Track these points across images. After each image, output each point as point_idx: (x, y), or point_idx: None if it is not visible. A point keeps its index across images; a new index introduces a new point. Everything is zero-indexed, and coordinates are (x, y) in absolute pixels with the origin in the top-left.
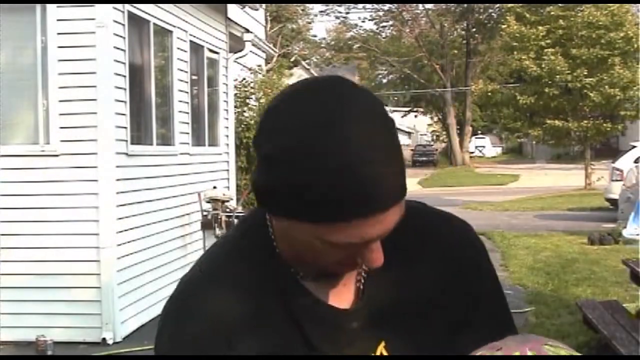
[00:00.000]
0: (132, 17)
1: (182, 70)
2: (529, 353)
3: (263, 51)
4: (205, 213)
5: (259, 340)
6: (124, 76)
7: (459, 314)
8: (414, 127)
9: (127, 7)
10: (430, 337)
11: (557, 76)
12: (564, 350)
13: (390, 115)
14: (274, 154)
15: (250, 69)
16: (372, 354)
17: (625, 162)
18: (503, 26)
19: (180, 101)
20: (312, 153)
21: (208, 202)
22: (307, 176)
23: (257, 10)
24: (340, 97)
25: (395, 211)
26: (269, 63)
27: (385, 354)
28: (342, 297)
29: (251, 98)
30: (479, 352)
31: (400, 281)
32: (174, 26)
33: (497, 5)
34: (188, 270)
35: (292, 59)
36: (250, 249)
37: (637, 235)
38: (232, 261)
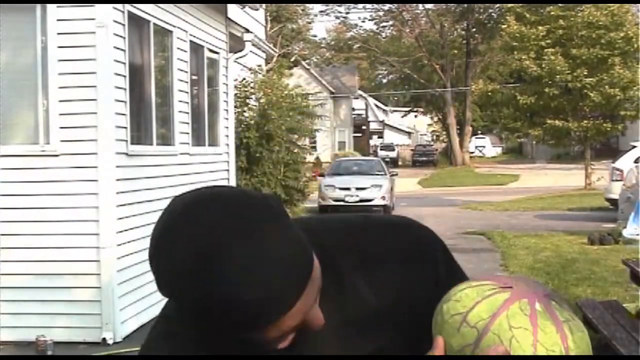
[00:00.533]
0: (132, 17)
1: (182, 70)
2: (538, 307)
3: (263, 51)
4: None
5: None
6: (124, 76)
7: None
8: (414, 127)
9: (127, 7)
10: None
11: (557, 76)
12: (567, 313)
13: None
14: (187, 304)
15: (250, 69)
16: None
17: (625, 162)
18: (503, 26)
19: (180, 101)
20: (211, 296)
21: None
22: (207, 315)
23: (257, 10)
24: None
25: (313, 284)
26: (269, 63)
27: None
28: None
29: (251, 98)
30: (486, 281)
31: (340, 306)
32: (174, 26)
33: (497, 5)
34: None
35: (292, 59)
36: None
37: (637, 235)
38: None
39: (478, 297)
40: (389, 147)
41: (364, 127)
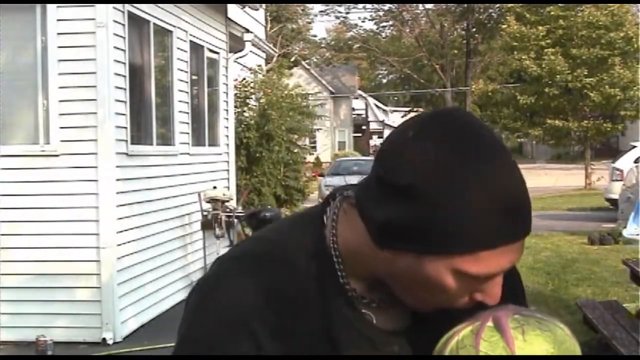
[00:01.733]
0: (132, 17)
1: (182, 70)
2: (489, 323)
3: (263, 51)
4: (205, 213)
5: (284, 345)
6: (124, 76)
7: None
8: None
9: (127, 7)
10: None
11: (557, 76)
12: (533, 319)
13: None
14: (417, 189)
15: (250, 69)
16: None
17: (625, 162)
18: (503, 26)
19: (180, 101)
20: (457, 186)
21: (208, 202)
22: (459, 206)
23: (257, 10)
24: (471, 129)
25: (524, 241)
26: (269, 63)
27: None
28: (395, 321)
29: (251, 98)
30: (460, 325)
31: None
32: (174, 26)
33: (497, 5)
34: (235, 249)
35: (292, 59)
36: (300, 256)
37: (637, 235)
38: (278, 266)
39: (447, 334)
40: None
41: (364, 127)
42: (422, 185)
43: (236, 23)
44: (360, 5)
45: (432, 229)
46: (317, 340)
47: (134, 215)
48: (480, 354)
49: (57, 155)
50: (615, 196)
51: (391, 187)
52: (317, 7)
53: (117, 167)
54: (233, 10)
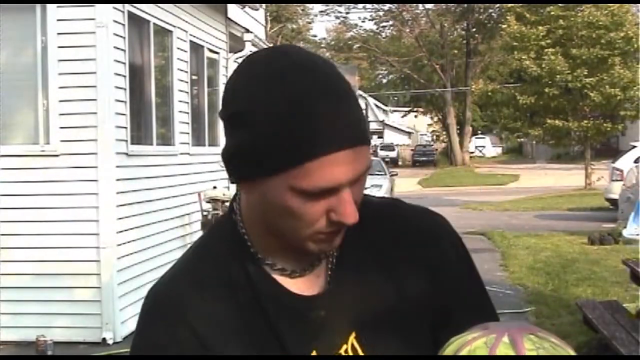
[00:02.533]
0: (132, 17)
1: (182, 70)
2: (505, 339)
3: None
4: (205, 213)
5: (233, 336)
6: (124, 76)
7: (440, 311)
8: (414, 127)
9: (127, 7)
10: (407, 336)
11: (557, 76)
12: (547, 343)
13: (340, 73)
14: (231, 116)
15: None
16: (343, 344)
17: (625, 162)
18: (503, 26)
19: (180, 101)
20: (267, 103)
21: (208, 202)
22: (267, 126)
23: (257, 10)
24: (287, 55)
25: (362, 154)
26: None
27: (356, 344)
28: (313, 287)
29: None
30: (471, 334)
31: (374, 280)
32: (174, 26)
33: (497, 5)
34: (162, 277)
35: None
36: (219, 245)
37: (637, 235)
38: (202, 259)
39: (457, 341)
40: (389, 147)
41: None
42: (239, 110)
43: (236, 23)
44: (360, 5)
45: (258, 149)
46: (250, 317)
47: (134, 215)
48: None
49: (57, 155)
50: (615, 196)
51: (225, 124)
52: (317, 7)
53: (117, 167)
54: (233, 10)
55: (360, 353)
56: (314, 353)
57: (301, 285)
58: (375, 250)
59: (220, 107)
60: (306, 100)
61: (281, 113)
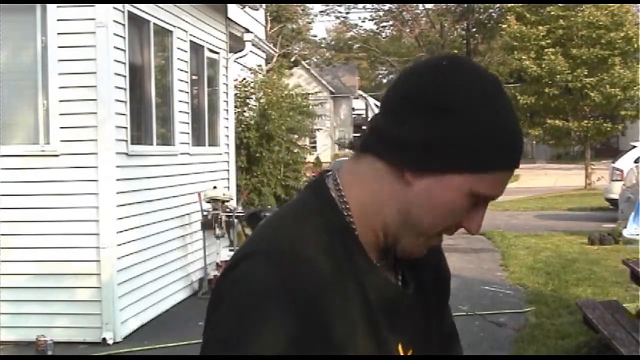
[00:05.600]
0: (132, 17)
1: (182, 70)
2: None
3: (263, 51)
4: (205, 213)
5: (341, 300)
6: (124, 76)
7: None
8: None
9: (127, 7)
10: (433, 335)
11: (557, 76)
12: None
13: None
14: (456, 104)
15: (250, 69)
16: (421, 326)
17: (625, 162)
18: (503, 26)
19: (180, 101)
20: (493, 106)
21: (208, 202)
22: (488, 126)
23: (257, 10)
24: (478, 66)
25: (509, 176)
26: (269, 63)
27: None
28: (391, 279)
29: (251, 98)
30: None
31: (422, 283)
32: (174, 26)
33: (497, 5)
34: (250, 252)
35: (292, 59)
36: (330, 228)
37: (637, 235)
38: (311, 231)
39: None
40: None
41: (364, 127)
42: (462, 103)
43: (236, 23)
44: (360, 5)
45: (462, 145)
46: (352, 298)
47: (134, 215)
48: None
49: (57, 155)
50: (615, 196)
51: (425, 106)
52: (317, 7)
53: (117, 167)
54: (233, 10)
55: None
56: (399, 345)
57: (389, 276)
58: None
59: (218, 108)
60: (511, 115)
61: (498, 121)
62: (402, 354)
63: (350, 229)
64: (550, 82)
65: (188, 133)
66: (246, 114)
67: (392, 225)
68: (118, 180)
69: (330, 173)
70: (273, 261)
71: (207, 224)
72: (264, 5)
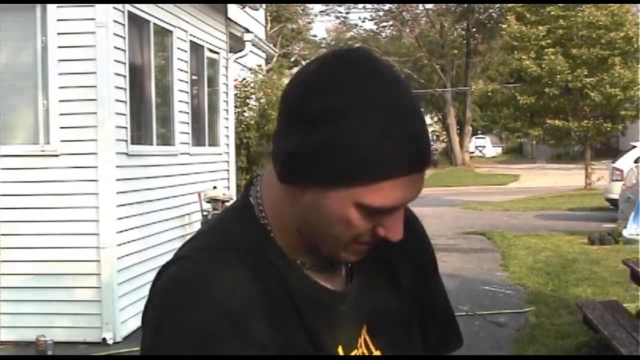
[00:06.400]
0: (132, 17)
1: (182, 70)
2: None
3: (263, 51)
4: (205, 213)
5: (265, 323)
6: (124, 76)
7: (422, 315)
8: None
9: (127, 7)
10: (409, 332)
11: (557, 76)
12: None
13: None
14: (319, 114)
15: (250, 69)
16: (358, 338)
17: (625, 162)
18: (503, 26)
19: (180, 101)
20: (361, 110)
21: (208, 202)
22: (357, 134)
23: (257, 10)
24: (373, 61)
25: (424, 174)
26: (269, 63)
27: (367, 338)
28: (333, 282)
29: (251, 98)
30: None
31: (381, 278)
32: (174, 26)
33: (497, 5)
34: (176, 258)
35: (292, 59)
36: (238, 231)
37: (637, 235)
38: (228, 248)
39: None
40: None
41: None
42: (324, 111)
43: (236, 23)
44: (360, 5)
45: (334, 157)
46: (276, 302)
47: (134, 215)
48: None
49: (57, 155)
50: (615, 196)
51: (295, 118)
52: (317, 7)
53: (117, 167)
54: (233, 10)
55: (372, 346)
56: (339, 347)
57: (321, 280)
58: (380, 249)
59: (218, 108)
60: (401, 116)
61: (378, 123)
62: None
63: (267, 232)
64: (550, 82)
65: (188, 133)
66: (246, 114)
67: (303, 231)
68: (118, 180)
69: (258, 175)
70: (194, 266)
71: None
72: (264, 5)
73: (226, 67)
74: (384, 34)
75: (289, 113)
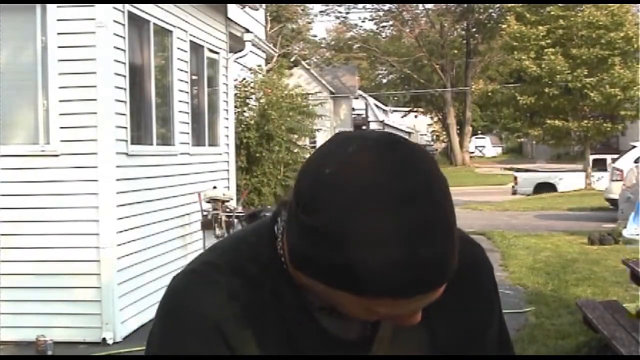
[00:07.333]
0: (132, 17)
1: (182, 70)
2: None
3: (263, 51)
4: (205, 213)
5: (253, 332)
6: (124, 76)
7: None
8: (414, 127)
9: (127, 7)
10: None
11: (557, 76)
12: None
13: (444, 178)
14: (324, 229)
15: (250, 69)
16: None
17: (625, 162)
18: (503, 26)
19: (180, 101)
20: (367, 234)
21: (208, 202)
22: (358, 255)
23: (257, 10)
24: (396, 171)
25: (442, 287)
26: (269, 63)
27: None
28: (353, 327)
29: (251, 98)
30: None
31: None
32: (174, 26)
33: (497, 5)
34: (191, 266)
35: (292, 59)
36: (258, 259)
37: (637, 235)
38: (237, 272)
39: None
40: None
41: (364, 127)
42: (329, 228)
43: (236, 23)
44: (360, 5)
45: (339, 271)
46: (277, 341)
47: (134, 215)
48: None
49: (57, 155)
50: (615, 196)
51: (302, 222)
52: (317, 7)
53: (117, 167)
54: (233, 10)
55: None
56: None
57: (334, 325)
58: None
59: (218, 108)
60: (407, 240)
61: (378, 252)
62: None
63: (282, 262)
64: (550, 82)
65: (188, 133)
66: (246, 114)
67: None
68: (118, 180)
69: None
70: (198, 282)
71: (207, 224)
72: (264, 5)
73: (226, 67)
74: (384, 34)
75: (297, 211)
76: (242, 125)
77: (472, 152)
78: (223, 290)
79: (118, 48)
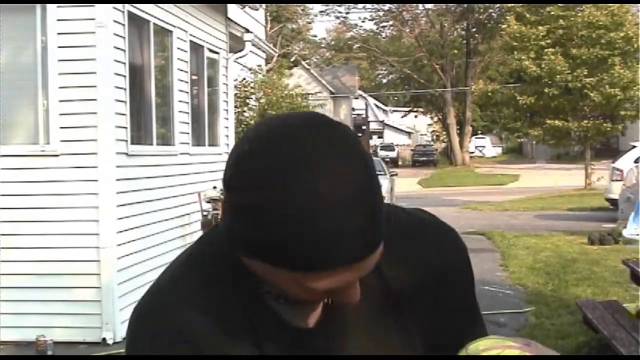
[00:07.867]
0: (132, 17)
1: (182, 70)
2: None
3: (263, 51)
4: (205, 213)
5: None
6: (124, 76)
7: (434, 321)
8: (414, 127)
9: (127, 7)
10: (399, 338)
11: (557, 76)
12: None
13: (366, 152)
14: (244, 206)
15: (250, 69)
16: None
17: (625, 162)
18: (503, 26)
19: (180, 101)
20: (284, 207)
21: (208, 202)
22: (279, 230)
23: (257, 10)
24: (313, 143)
25: (373, 257)
26: (269, 63)
27: None
28: (310, 313)
29: (251, 98)
30: (510, 342)
31: (371, 285)
32: (174, 26)
33: (497, 5)
34: (151, 287)
35: (292, 59)
36: (216, 264)
37: (637, 235)
38: (197, 278)
39: (490, 341)
40: (389, 147)
41: (364, 127)
42: (251, 203)
43: (236, 23)
44: (360, 5)
45: (268, 247)
46: (240, 337)
47: (134, 215)
48: None
49: (57, 155)
50: (615, 196)
51: (230, 203)
52: (317, 7)
53: (117, 167)
54: (233, 10)
55: None
56: None
57: (298, 314)
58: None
59: (218, 108)
60: (337, 212)
61: (298, 224)
62: None
63: (241, 266)
64: (550, 82)
65: (188, 133)
66: (246, 114)
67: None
68: (118, 180)
69: None
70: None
71: (207, 224)
72: (264, 5)
73: (226, 67)
74: (384, 34)
75: (225, 187)
76: (242, 125)
77: (472, 152)
78: (189, 301)
79: (118, 48)
